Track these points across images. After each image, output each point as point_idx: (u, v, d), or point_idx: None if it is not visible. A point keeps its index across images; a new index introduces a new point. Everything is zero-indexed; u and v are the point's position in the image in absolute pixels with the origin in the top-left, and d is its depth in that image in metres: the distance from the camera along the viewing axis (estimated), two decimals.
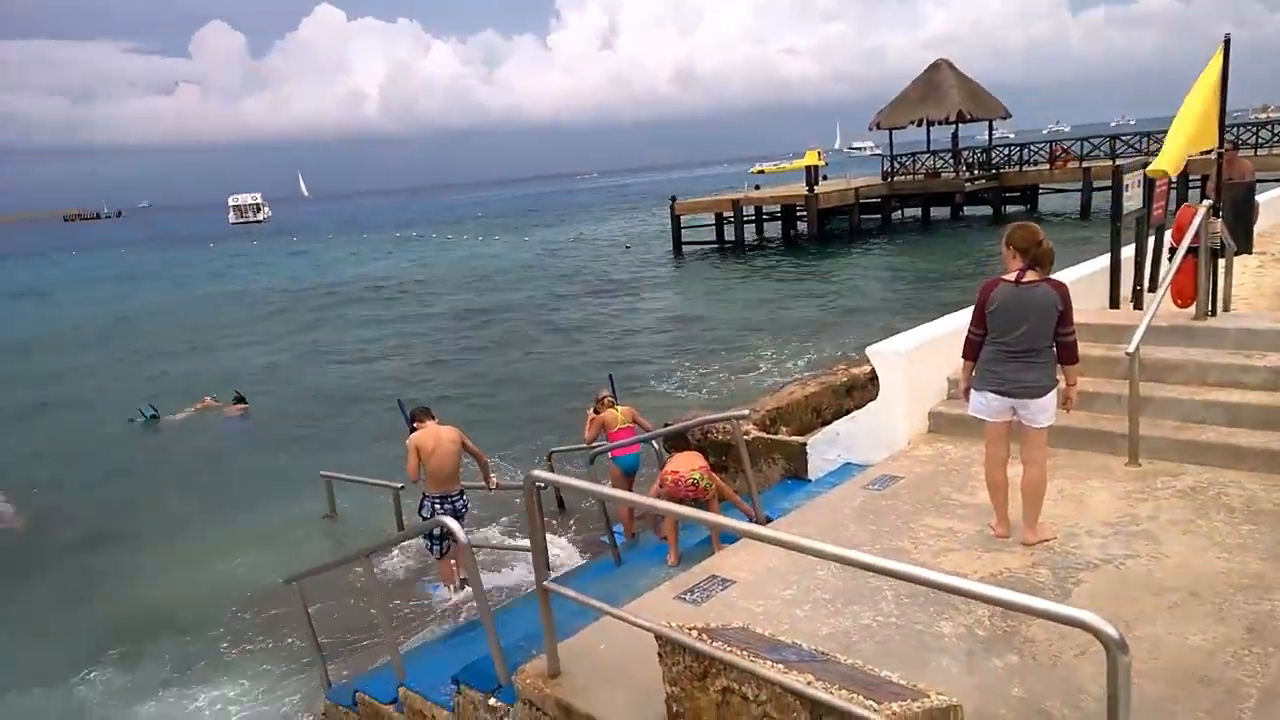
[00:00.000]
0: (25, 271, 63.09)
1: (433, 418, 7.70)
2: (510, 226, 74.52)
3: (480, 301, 30.89)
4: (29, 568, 10.80)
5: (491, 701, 4.26)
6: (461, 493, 7.73)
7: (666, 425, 8.24)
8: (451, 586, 8.05)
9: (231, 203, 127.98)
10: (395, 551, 9.29)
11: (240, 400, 17.60)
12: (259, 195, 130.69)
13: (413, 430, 7.62)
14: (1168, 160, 6.70)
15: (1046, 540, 4.84)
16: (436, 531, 7.33)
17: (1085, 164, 36.16)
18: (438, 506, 7.44)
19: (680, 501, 5.97)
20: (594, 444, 8.44)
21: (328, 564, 7.29)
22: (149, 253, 76.46)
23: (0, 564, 10.90)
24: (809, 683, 2.72)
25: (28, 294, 47.28)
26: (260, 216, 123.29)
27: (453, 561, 7.97)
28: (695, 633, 3.10)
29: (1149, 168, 7.13)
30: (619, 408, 8.49)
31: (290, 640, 8.05)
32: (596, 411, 8.49)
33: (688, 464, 6.01)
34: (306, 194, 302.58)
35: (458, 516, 7.42)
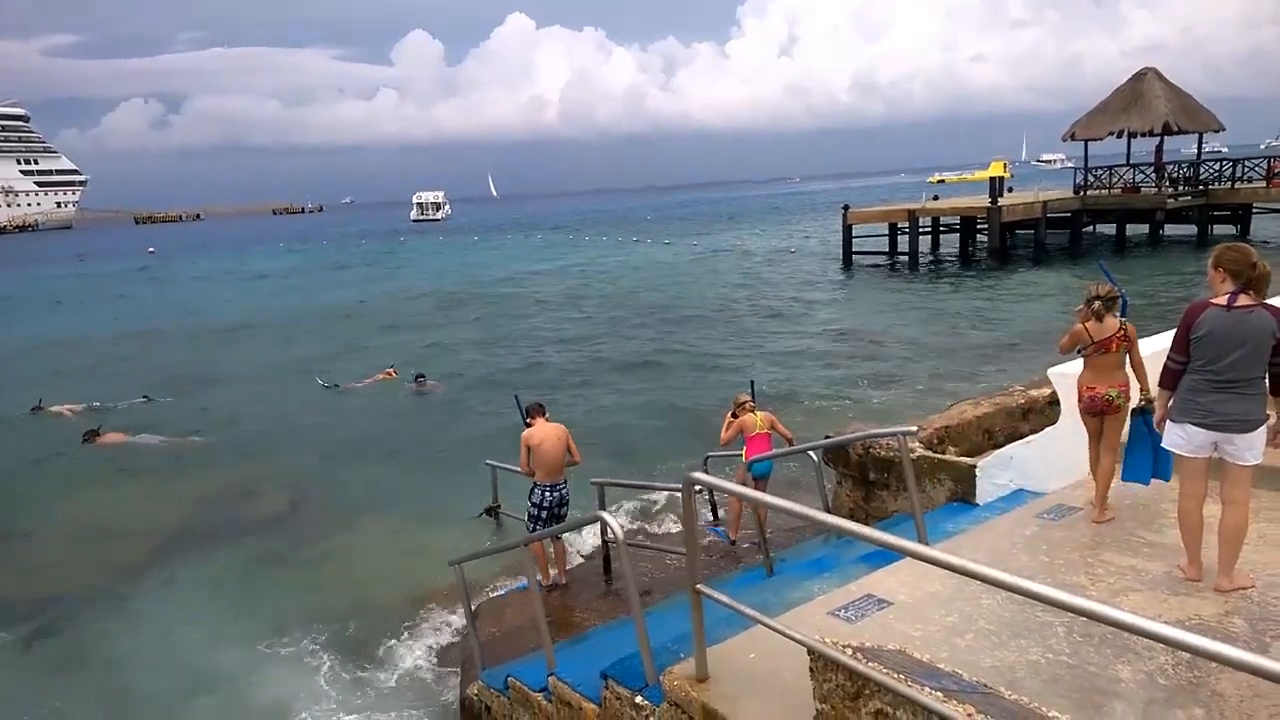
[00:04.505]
0: (260, 261, 68.93)
1: (544, 415, 8.24)
2: (681, 230, 75.09)
3: (648, 303, 31.23)
4: (220, 503, 12.63)
5: (638, 700, 4.28)
6: (565, 482, 8.18)
7: (828, 437, 8.08)
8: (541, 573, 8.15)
9: (415, 200, 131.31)
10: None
11: (420, 377, 19.48)
12: (441, 194, 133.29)
13: (526, 424, 8.18)
14: None
15: (1244, 588, 4.43)
16: (542, 515, 7.92)
17: None
18: (546, 493, 7.99)
19: (1093, 415, 5.60)
20: (729, 446, 8.48)
21: (489, 549, 7.57)
22: (344, 247, 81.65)
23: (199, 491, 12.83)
24: (969, 715, 2.59)
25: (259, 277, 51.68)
26: (440, 215, 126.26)
27: (550, 551, 8.34)
28: (850, 651, 3.01)
29: None
30: (758, 413, 8.37)
31: (449, 618, 8.40)
32: (735, 415, 8.41)
33: (1107, 381, 5.57)
34: (495, 194, 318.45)
35: (563, 503, 8.05)
